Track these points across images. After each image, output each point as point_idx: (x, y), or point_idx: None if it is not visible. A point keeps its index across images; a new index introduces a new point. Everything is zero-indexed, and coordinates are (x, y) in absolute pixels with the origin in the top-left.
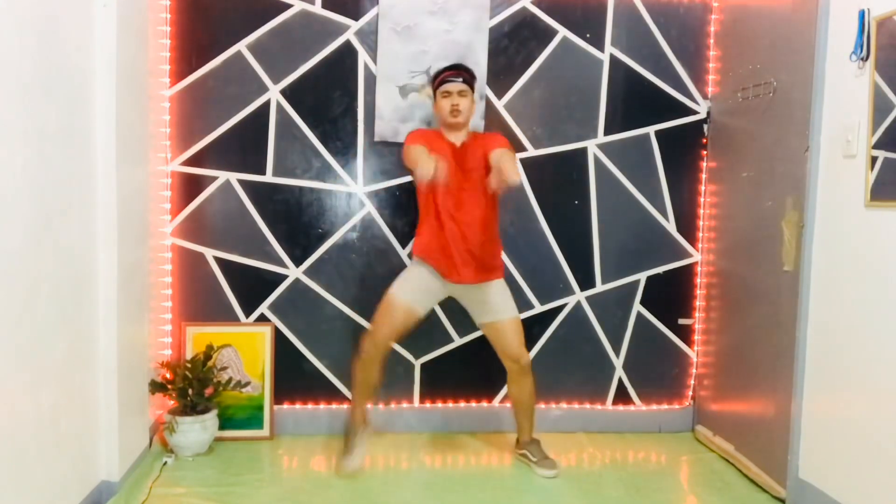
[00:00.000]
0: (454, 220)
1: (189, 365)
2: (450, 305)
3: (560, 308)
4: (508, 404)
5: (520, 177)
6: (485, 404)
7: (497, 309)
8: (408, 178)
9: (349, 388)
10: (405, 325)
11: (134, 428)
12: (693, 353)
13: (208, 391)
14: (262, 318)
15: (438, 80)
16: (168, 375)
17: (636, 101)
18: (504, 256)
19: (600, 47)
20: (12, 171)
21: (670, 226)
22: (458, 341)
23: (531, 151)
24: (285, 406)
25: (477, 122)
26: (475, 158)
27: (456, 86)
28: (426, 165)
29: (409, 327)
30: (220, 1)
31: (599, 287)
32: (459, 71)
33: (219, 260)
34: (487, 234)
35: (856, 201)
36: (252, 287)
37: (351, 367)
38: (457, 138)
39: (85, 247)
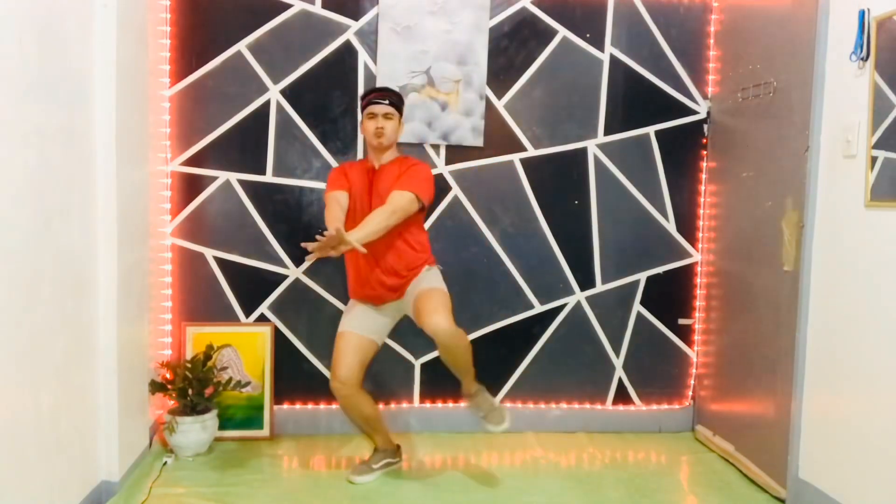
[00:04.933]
0: (365, 257)
1: (189, 365)
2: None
3: (560, 308)
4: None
5: (361, 240)
6: None
7: (420, 287)
8: None
9: None
10: (361, 354)
11: (134, 428)
12: (693, 353)
13: (208, 391)
14: (262, 318)
15: (365, 101)
16: (168, 375)
17: (636, 101)
18: (504, 257)
19: (600, 47)
20: (12, 171)
21: (670, 226)
22: None
23: (531, 151)
24: (285, 406)
25: (477, 121)
26: (387, 182)
27: (381, 108)
28: (329, 228)
29: (368, 358)
30: (220, 1)
31: (599, 287)
32: (385, 93)
33: (219, 260)
34: (402, 258)
35: (856, 201)
36: (252, 287)
37: None
38: (378, 160)
39: (85, 247)
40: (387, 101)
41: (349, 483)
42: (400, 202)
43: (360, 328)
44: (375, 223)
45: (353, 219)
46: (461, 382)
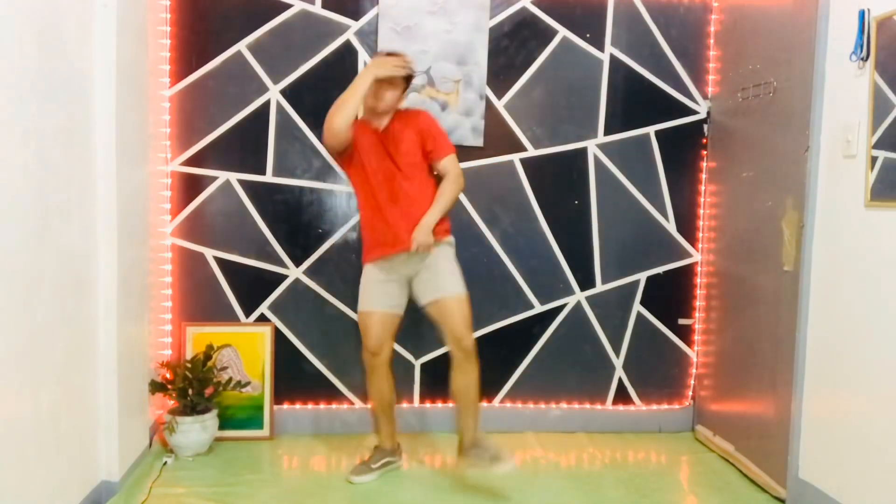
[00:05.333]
0: (393, 212)
1: (189, 365)
2: None
3: (560, 308)
4: (488, 403)
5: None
6: (485, 404)
7: (441, 285)
8: None
9: (349, 388)
10: (386, 328)
11: (134, 428)
12: (693, 353)
13: (208, 391)
14: (262, 318)
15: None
16: (168, 375)
17: (636, 101)
18: (503, 256)
19: (600, 47)
20: (12, 171)
21: (670, 226)
22: None
23: (531, 151)
24: (285, 406)
25: (477, 121)
26: (405, 141)
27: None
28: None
29: (395, 327)
30: (220, 1)
31: (599, 287)
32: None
33: (219, 260)
34: (426, 209)
35: (856, 201)
36: (252, 287)
37: (349, 369)
38: (380, 123)
39: (85, 247)
40: (405, 62)
41: (349, 483)
42: (455, 166)
43: (380, 304)
44: (449, 195)
45: (368, 182)
46: (463, 429)
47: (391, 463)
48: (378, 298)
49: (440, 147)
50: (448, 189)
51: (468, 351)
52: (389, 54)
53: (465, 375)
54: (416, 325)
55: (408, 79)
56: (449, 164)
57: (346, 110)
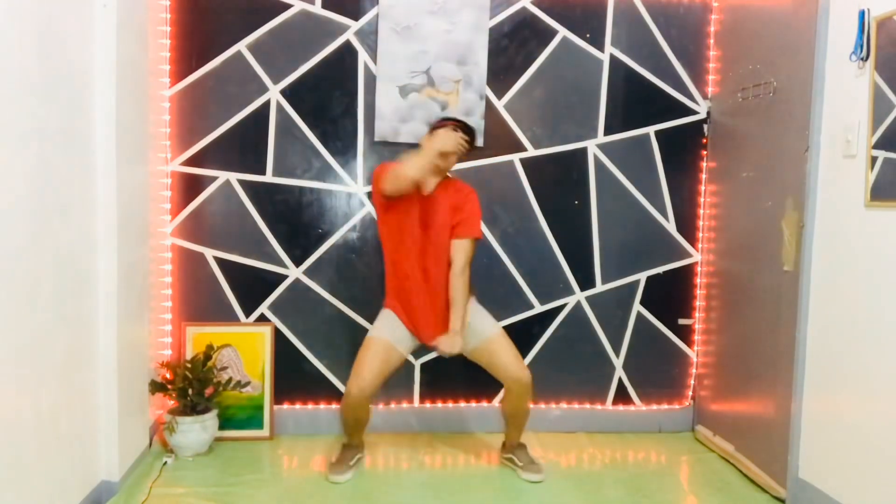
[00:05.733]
0: (418, 285)
1: (189, 365)
2: None
3: (560, 308)
4: (488, 403)
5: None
6: (485, 404)
7: (478, 330)
8: None
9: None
10: (388, 365)
11: (134, 428)
12: (693, 353)
13: (208, 391)
14: (262, 318)
15: (445, 124)
16: (168, 375)
17: (636, 101)
18: (503, 256)
19: (600, 47)
20: (12, 171)
21: (670, 226)
22: None
23: (531, 151)
24: (285, 406)
25: (477, 121)
26: (442, 213)
27: (460, 134)
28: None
29: (393, 369)
30: (220, 1)
31: (599, 287)
32: (470, 133)
33: (219, 260)
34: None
35: (856, 201)
36: (252, 287)
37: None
38: (428, 185)
39: (85, 247)
40: (468, 140)
41: (331, 483)
42: (468, 256)
43: (396, 340)
44: (462, 295)
45: (400, 238)
46: (509, 434)
47: (361, 458)
48: (396, 333)
49: (468, 224)
50: (460, 289)
51: (527, 385)
52: (454, 126)
53: (521, 403)
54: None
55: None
56: (464, 248)
57: (423, 163)
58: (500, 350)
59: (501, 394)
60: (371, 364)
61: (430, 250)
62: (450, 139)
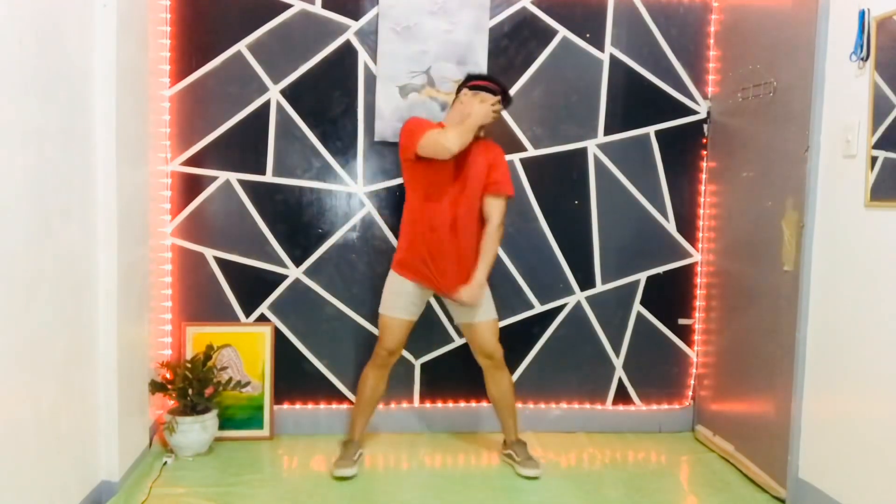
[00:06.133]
0: (445, 237)
1: (189, 365)
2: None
3: (560, 308)
4: (488, 403)
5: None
6: (485, 404)
7: (477, 311)
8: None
9: (349, 388)
10: (405, 333)
11: (134, 428)
12: (693, 353)
13: (208, 391)
14: (262, 318)
15: (483, 84)
16: (168, 375)
17: (636, 101)
18: (504, 256)
19: (600, 47)
20: (12, 171)
21: (670, 226)
22: (458, 341)
23: (531, 151)
24: (285, 406)
25: None
26: (476, 169)
27: (494, 99)
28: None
29: (410, 332)
30: (220, 1)
31: (599, 287)
32: (503, 91)
33: (219, 260)
34: (477, 246)
35: (856, 201)
36: (252, 287)
37: (349, 369)
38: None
39: (85, 247)
40: (500, 98)
41: (337, 479)
42: (503, 213)
43: (407, 313)
44: (494, 250)
45: (428, 192)
46: (505, 428)
47: (362, 454)
48: (406, 307)
49: (504, 183)
50: (493, 244)
51: (498, 362)
52: (484, 86)
53: (499, 384)
54: (416, 325)
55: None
56: (500, 206)
57: (465, 139)
58: (485, 334)
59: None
60: (392, 333)
61: (462, 202)
62: (488, 112)
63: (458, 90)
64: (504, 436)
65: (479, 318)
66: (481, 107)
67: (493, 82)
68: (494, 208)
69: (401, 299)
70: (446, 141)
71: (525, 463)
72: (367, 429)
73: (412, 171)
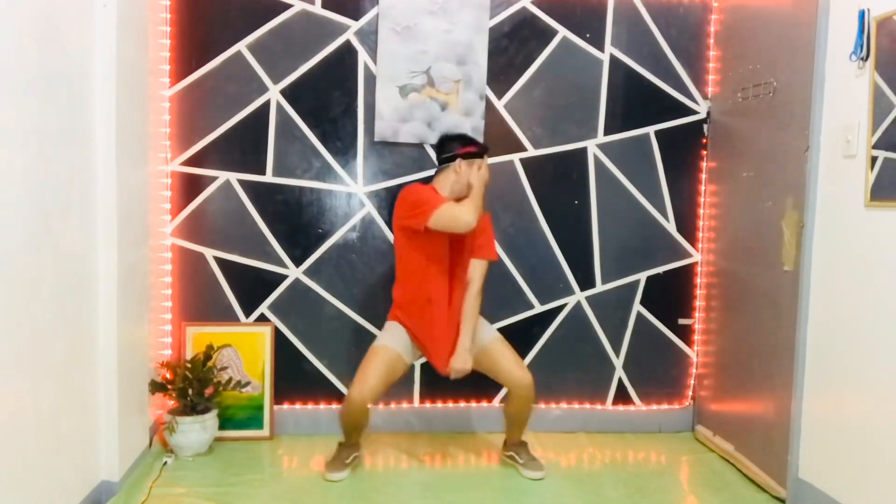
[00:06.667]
0: (442, 310)
1: (189, 365)
2: None
3: (560, 308)
4: (488, 403)
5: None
6: (485, 404)
7: (478, 338)
8: (405, 178)
9: (349, 388)
10: (393, 375)
11: (134, 428)
12: (693, 353)
13: (208, 391)
14: (262, 318)
15: (475, 150)
16: (168, 375)
17: (636, 101)
18: (503, 256)
19: (600, 47)
20: (12, 171)
21: (670, 226)
22: None
23: (531, 151)
24: (285, 406)
25: (477, 121)
26: (469, 236)
27: (486, 163)
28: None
29: (397, 378)
30: (220, 1)
31: (599, 287)
32: (485, 150)
33: (219, 260)
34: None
35: (856, 201)
36: (252, 287)
37: (349, 369)
38: None
39: (85, 247)
40: (484, 156)
41: (328, 482)
42: (484, 277)
43: (403, 351)
44: (476, 314)
45: (427, 265)
46: (510, 433)
47: (358, 457)
48: (403, 345)
49: (490, 247)
50: (475, 308)
51: (531, 388)
52: (474, 152)
53: (525, 408)
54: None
55: None
56: (483, 269)
57: (480, 212)
58: (500, 356)
59: (502, 394)
60: (376, 371)
61: (457, 273)
62: (485, 175)
63: (443, 152)
64: (507, 437)
65: (482, 343)
66: (480, 174)
67: (476, 144)
68: (477, 270)
69: (397, 336)
70: (465, 216)
71: (529, 465)
72: (368, 429)
73: (413, 242)
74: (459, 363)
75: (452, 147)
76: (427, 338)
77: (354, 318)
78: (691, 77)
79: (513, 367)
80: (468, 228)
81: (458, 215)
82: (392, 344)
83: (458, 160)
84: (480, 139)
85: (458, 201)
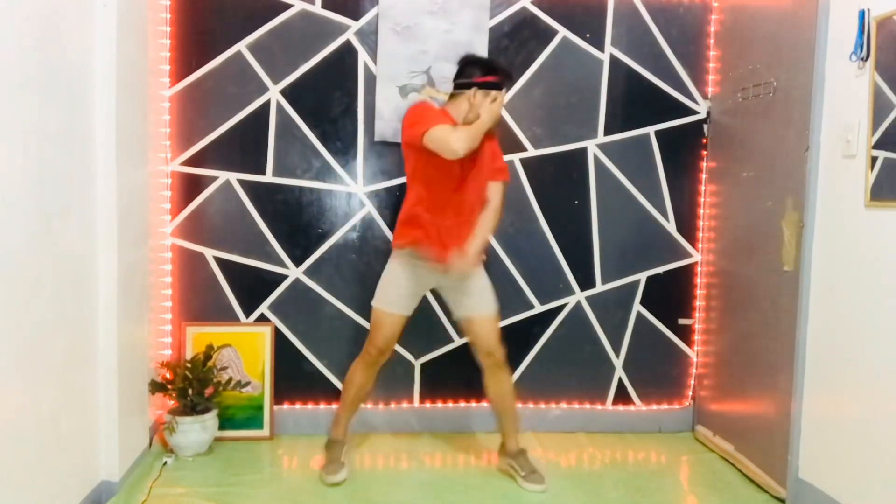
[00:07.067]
0: (450, 219)
1: (189, 365)
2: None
3: (560, 308)
4: (487, 404)
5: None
6: (485, 404)
7: (477, 304)
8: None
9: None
10: (398, 330)
11: (134, 428)
12: (693, 353)
13: (208, 391)
14: (262, 318)
15: (494, 79)
16: (168, 375)
17: (636, 101)
18: (503, 256)
19: (600, 47)
20: (12, 171)
21: (670, 226)
22: (458, 341)
23: (531, 151)
24: (285, 406)
25: None
26: (482, 157)
27: (504, 95)
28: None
29: (403, 329)
30: (220, 1)
31: (599, 287)
32: (509, 79)
33: (219, 260)
34: (474, 220)
35: (856, 201)
36: (252, 287)
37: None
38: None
39: (85, 247)
40: (504, 89)
41: (329, 485)
42: (502, 197)
43: (401, 307)
44: (491, 225)
45: (434, 178)
46: (505, 434)
47: (348, 449)
48: (400, 301)
49: (505, 170)
50: (491, 219)
51: (499, 361)
52: (494, 82)
53: (500, 384)
54: (416, 325)
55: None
56: (501, 190)
57: (474, 144)
58: (485, 329)
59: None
60: (385, 329)
61: (467, 189)
62: (497, 109)
63: (461, 76)
64: (504, 442)
65: (478, 311)
66: (492, 108)
67: (499, 72)
68: (496, 192)
69: (396, 291)
70: (455, 143)
71: (530, 477)
72: (367, 429)
73: (417, 158)
74: (461, 264)
75: (471, 73)
76: (434, 238)
77: (354, 318)
78: (691, 77)
79: (488, 338)
80: (454, 156)
81: (449, 140)
82: (395, 308)
83: (473, 88)
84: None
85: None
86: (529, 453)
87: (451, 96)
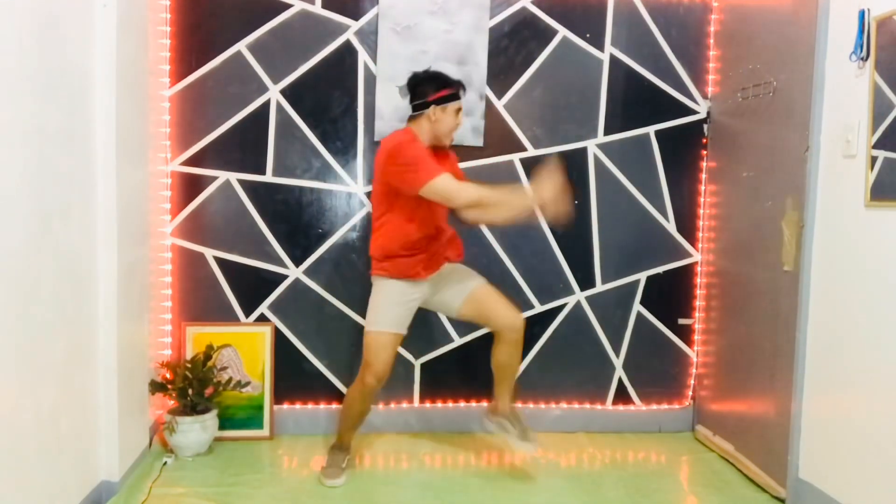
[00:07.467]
0: (436, 245)
1: (189, 365)
2: None
3: (560, 308)
4: (488, 403)
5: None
6: (485, 404)
7: (467, 280)
8: None
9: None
10: (395, 352)
11: (134, 428)
12: (693, 353)
13: (208, 391)
14: (262, 318)
15: (448, 92)
16: (168, 375)
17: (636, 101)
18: (504, 256)
19: (600, 47)
20: (12, 171)
21: (670, 226)
22: (458, 341)
23: (531, 151)
24: (285, 406)
25: (477, 121)
26: (446, 167)
27: (461, 105)
28: (523, 200)
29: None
30: (220, 1)
31: (599, 287)
32: (464, 90)
33: (219, 260)
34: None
35: (856, 201)
36: (252, 287)
37: (349, 369)
38: (438, 155)
39: (85, 247)
40: (460, 97)
41: (326, 487)
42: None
43: (399, 326)
44: (500, 193)
45: (415, 209)
46: (500, 396)
47: (350, 459)
48: (398, 321)
49: (464, 176)
50: (494, 192)
51: (521, 332)
52: (449, 95)
53: (511, 357)
54: (416, 325)
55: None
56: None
57: (500, 218)
58: (489, 299)
59: (493, 346)
60: (383, 353)
61: (439, 212)
62: (459, 120)
63: (415, 98)
64: (496, 401)
65: (469, 285)
66: (455, 120)
67: (451, 84)
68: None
69: (393, 311)
70: (462, 199)
71: (522, 436)
72: (367, 429)
73: (398, 194)
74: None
75: (424, 92)
76: (430, 263)
77: (354, 318)
78: (691, 77)
79: (504, 310)
80: (460, 208)
81: (457, 196)
82: (391, 327)
83: (431, 107)
84: (480, 139)
85: (435, 148)
86: (519, 413)
87: (411, 119)
